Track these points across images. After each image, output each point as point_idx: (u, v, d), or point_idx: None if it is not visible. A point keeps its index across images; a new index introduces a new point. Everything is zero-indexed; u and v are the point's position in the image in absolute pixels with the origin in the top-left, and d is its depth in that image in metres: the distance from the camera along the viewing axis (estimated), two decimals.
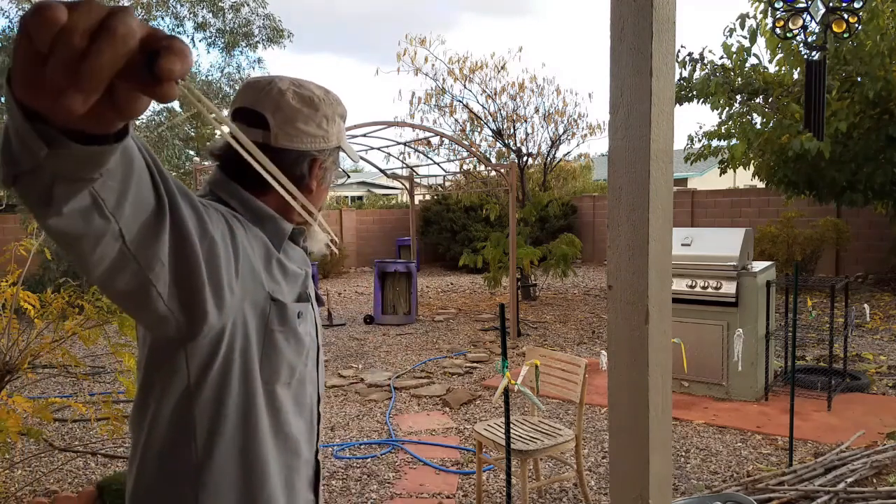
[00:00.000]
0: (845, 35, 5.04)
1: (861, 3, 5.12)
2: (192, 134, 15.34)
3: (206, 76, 14.94)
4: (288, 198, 0.70)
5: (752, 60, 9.27)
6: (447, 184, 14.53)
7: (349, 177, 1.37)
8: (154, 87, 0.49)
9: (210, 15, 14.09)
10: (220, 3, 13.92)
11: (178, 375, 0.99)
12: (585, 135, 12.23)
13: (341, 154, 1.26)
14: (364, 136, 8.41)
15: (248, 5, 14.17)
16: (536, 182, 13.17)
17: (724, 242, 5.16)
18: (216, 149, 1.18)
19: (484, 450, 3.48)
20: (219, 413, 1.03)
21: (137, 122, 12.72)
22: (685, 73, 9.63)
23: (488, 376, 6.03)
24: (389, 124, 8.02)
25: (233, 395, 1.04)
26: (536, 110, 11.89)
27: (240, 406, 1.05)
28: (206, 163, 15.87)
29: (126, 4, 1.09)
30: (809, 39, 5.02)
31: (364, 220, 16.98)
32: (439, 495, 3.61)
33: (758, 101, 9.54)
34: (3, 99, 12.72)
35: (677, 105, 9.45)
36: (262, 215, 1.12)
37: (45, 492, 3.72)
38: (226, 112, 1.13)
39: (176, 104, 16.03)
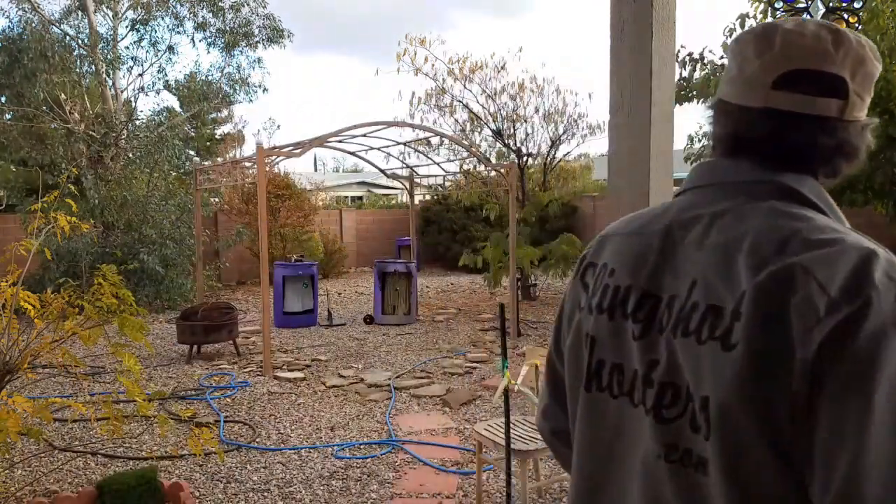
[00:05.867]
0: None
1: (861, 3, 5.12)
2: (192, 134, 15.34)
3: (206, 76, 14.95)
4: None
5: None
6: (447, 184, 14.52)
7: None
8: None
9: (210, 15, 14.10)
10: (220, 3, 13.92)
11: None
12: (585, 135, 12.22)
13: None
14: (364, 136, 8.40)
15: (248, 5, 14.18)
16: (536, 182, 13.15)
17: None
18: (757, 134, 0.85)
19: (484, 450, 3.48)
20: None
21: (138, 123, 12.70)
22: (685, 73, 9.62)
23: (488, 376, 6.03)
24: (389, 124, 8.01)
25: None
26: (536, 110, 11.87)
27: None
28: (205, 163, 15.85)
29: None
30: None
31: (364, 220, 16.99)
32: (439, 495, 3.61)
33: None
34: (3, 99, 12.64)
35: (677, 105, 9.43)
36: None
37: (45, 492, 3.72)
38: None
39: (176, 103, 16.03)
